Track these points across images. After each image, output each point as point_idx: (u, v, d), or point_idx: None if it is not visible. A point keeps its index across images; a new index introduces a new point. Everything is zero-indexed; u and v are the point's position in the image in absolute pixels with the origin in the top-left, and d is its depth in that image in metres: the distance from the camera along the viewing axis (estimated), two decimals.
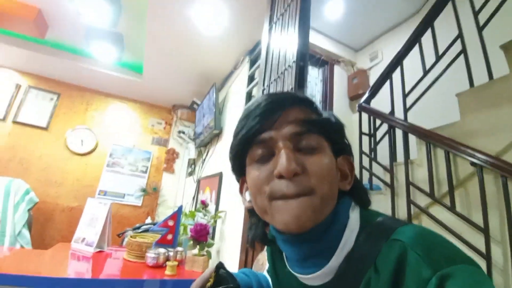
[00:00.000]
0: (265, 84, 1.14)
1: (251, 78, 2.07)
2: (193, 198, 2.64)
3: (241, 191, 0.47)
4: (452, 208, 1.20)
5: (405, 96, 1.62)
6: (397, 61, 1.68)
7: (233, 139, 0.44)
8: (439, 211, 1.28)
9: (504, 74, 1.29)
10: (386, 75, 1.73)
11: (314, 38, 2.50)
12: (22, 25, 2.19)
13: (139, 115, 3.47)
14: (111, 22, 2.18)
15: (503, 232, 1.09)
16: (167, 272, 1.31)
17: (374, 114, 1.71)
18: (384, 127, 1.67)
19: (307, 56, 0.88)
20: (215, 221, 1.78)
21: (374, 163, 1.68)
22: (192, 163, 3.16)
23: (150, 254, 1.42)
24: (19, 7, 2.12)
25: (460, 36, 1.46)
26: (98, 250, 1.58)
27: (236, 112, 2.12)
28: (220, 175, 2.01)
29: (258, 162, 0.40)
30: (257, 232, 0.46)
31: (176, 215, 1.33)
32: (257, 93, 1.26)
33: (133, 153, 3.30)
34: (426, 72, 1.57)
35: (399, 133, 1.52)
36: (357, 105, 1.82)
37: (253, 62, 2.09)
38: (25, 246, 2.23)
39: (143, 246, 1.50)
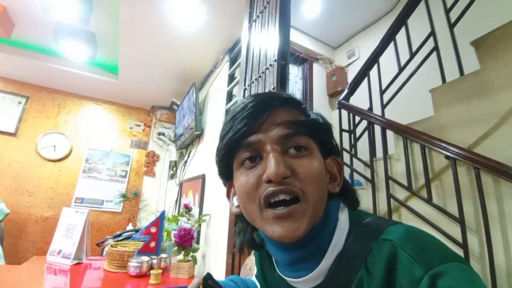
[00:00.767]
0: (246, 84, 1.13)
1: (231, 77, 2.04)
2: (176, 201, 2.58)
3: (228, 196, 0.46)
4: (429, 200, 1.24)
5: (382, 92, 1.66)
6: (374, 58, 1.72)
7: (219, 142, 0.42)
8: (417, 204, 1.33)
9: (475, 70, 1.35)
10: (364, 73, 1.77)
11: (293, 36, 2.50)
12: None
13: (116, 117, 3.34)
14: (81, 19, 2.07)
15: (478, 221, 1.15)
16: (152, 281, 1.27)
17: (353, 111, 1.74)
18: (363, 123, 1.70)
19: (288, 55, 0.87)
20: (199, 225, 1.74)
21: (354, 159, 1.71)
22: (173, 165, 3.08)
23: (133, 263, 1.37)
24: None
25: (432, 33, 1.51)
26: (76, 262, 1.50)
27: (217, 112, 2.08)
28: (203, 177, 1.96)
29: (246, 166, 0.39)
30: (246, 238, 0.46)
31: (159, 221, 1.28)
32: (238, 93, 1.24)
33: (111, 157, 3.16)
34: (401, 69, 1.61)
35: (377, 129, 1.56)
36: (336, 102, 1.85)
37: (233, 61, 2.06)
38: None
39: (124, 255, 1.44)
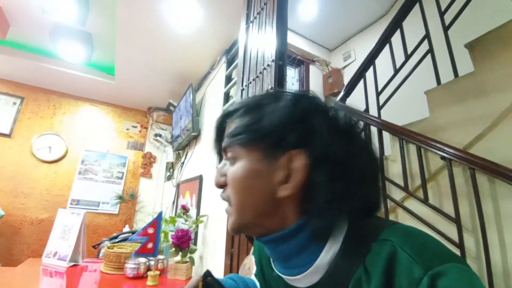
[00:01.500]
0: (244, 84, 1.13)
1: (228, 78, 2.04)
2: (173, 203, 2.57)
3: None
4: (425, 201, 1.24)
5: (378, 94, 1.68)
6: (370, 60, 1.73)
7: None
8: (413, 204, 1.33)
9: (470, 72, 1.36)
10: (360, 74, 1.78)
11: (290, 38, 2.50)
12: None
13: (112, 118, 3.32)
14: (78, 20, 2.06)
15: (474, 222, 1.15)
16: (149, 282, 1.26)
17: (349, 112, 1.73)
18: (360, 124, 1.71)
19: (286, 55, 0.88)
20: (197, 226, 1.74)
21: None
22: (170, 167, 3.07)
23: (130, 265, 1.35)
24: None
25: (427, 36, 1.53)
26: (73, 264, 1.48)
27: (214, 113, 2.08)
28: (200, 178, 1.96)
29: None
30: None
31: (156, 222, 1.28)
32: (235, 93, 1.24)
33: (107, 158, 3.14)
34: (396, 71, 1.62)
35: (374, 130, 1.56)
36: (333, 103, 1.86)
37: (230, 62, 2.06)
38: None
39: (121, 257, 1.43)
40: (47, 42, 2.37)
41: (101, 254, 2.15)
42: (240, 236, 1.08)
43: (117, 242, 2.04)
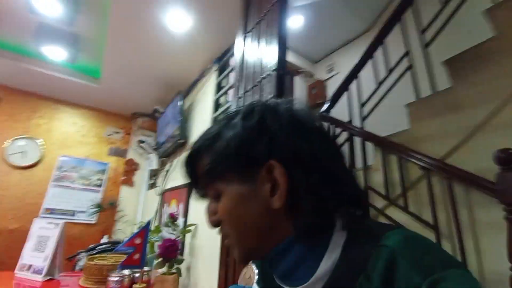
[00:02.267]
0: (240, 92, 1.14)
1: (219, 86, 2.05)
2: (157, 212, 2.49)
3: None
4: (405, 209, 1.29)
5: (361, 106, 1.75)
6: (354, 73, 1.80)
7: None
8: (394, 212, 1.37)
9: (447, 87, 1.46)
10: (344, 87, 1.84)
11: None
12: None
13: (93, 123, 3.19)
14: (66, 20, 1.99)
15: (451, 228, 1.21)
16: None
17: (334, 123, 1.78)
18: (344, 135, 1.75)
19: (285, 65, 0.90)
20: (184, 236, 1.69)
21: None
22: (153, 174, 2.99)
23: (113, 278, 1.28)
24: None
25: (407, 53, 1.63)
26: (48, 278, 1.38)
27: (203, 120, 2.07)
28: (188, 187, 1.92)
29: None
30: None
31: (144, 232, 1.23)
32: (232, 101, 1.25)
33: (86, 165, 3.00)
34: (379, 85, 1.71)
35: (357, 140, 1.61)
36: (317, 114, 1.90)
37: (221, 70, 2.07)
38: None
39: (104, 269, 1.36)
40: (31, 42, 2.26)
41: (78, 267, 2.03)
42: None
43: (96, 253, 1.93)
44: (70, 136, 3.02)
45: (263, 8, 1.18)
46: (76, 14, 1.97)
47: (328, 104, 1.89)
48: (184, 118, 2.25)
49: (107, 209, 2.93)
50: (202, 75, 2.30)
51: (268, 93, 0.90)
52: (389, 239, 0.32)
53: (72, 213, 2.81)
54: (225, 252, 1.09)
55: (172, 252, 1.35)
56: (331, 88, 2.70)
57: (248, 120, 0.38)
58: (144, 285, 1.25)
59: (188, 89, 2.58)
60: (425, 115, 1.54)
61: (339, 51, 2.79)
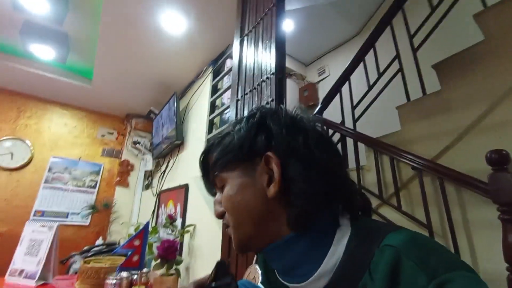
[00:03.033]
0: (239, 95, 1.15)
1: (214, 88, 2.05)
2: (153, 212, 2.47)
3: None
4: (398, 208, 1.32)
5: (353, 108, 1.78)
6: (345, 76, 1.82)
7: None
8: (387, 211, 1.39)
9: (436, 90, 1.50)
10: (336, 89, 1.87)
11: None
12: None
13: (86, 124, 3.13)
14: (54, 19, 1.95)
15: (444, 226, 1.24)
16: None
17: (327, 124, 1.80)
18: (336, 136, 1.78)
19: (285, 68, 0.92)
20: (183, 236, 1.69)
21: None
22: (149, 175, 2.96)
23: (111, 280, 1.27)
24: None
25: (397, 56, 1.66)
26: (42, 283, 1.35)
27: (199, 122, 2.07)
28: (186, 187, 1.92)
29: None
30: None
31: (143, 233, 1.22)
32: (230, 104, 1.26)
33: (79, 166, 2.94)
34: (370, 88, 1.74)
35: (350, 141, 1.63)
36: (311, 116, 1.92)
37: (216, 72, 2.08)
38: None
39: (101, 272, 1.34)
40: (16, 39, 2.20)
41: (71, 270, 1.99)
42: None
43: (90, 255, 1.90)
44: (61, 137, 2.95)
45: (260, 12, 1.19)
46: (65, 12, 1.93)
47: (320, 106, 1.91)
48: (180, 120, 2.25)
49: (102, 210, 2.89)
50: (198, 77, 2.30)
51: (267, 96, 0.92)
52: (393, 239, 0.32)
53: (65, 215, 2.75)
54: (226, 251, 1.09)
55: (171, 253, 1.35)
56: (323, 90, 2.74)
57: (251, 119, 0.44)
58: (143, 287, 1.24)
59: (183, 91, 2.57)
60: (415, 117, 1.57)
61: (330, 54, 2.83)
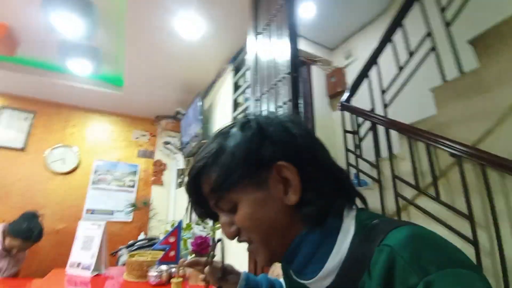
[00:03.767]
0: (257, 95, 1.17)
1: (236, 85, 2.08)
2: (186, 209, 2.62)
3: None
4: (437, 198, 1.23)
5: (383, 93, 1.68)
6: (373, 60, 1.72)
7: None
8: (425, 202, 1.31)
9: (474, 68, 1.37)
10: (364, 74, 1.77)
11: None
12: None
13: (121, 128, 3.38)
14: (86, 35, 2.12)
15: (486, 217, 1.16)
16: None
17: (356, 112, 1.73)
18: (367, 124, 1.71)
19: (299, 67, 0.91)
20: (214, 233, 1.78)
21: (360, 160, 1.72)
22: (181, 173, 3.12)
23: (152, 273, 1.40)
24: None
25: (429, 33, 1.53)
26: (96, 273, 1.53)
27: (224, 120, 2.12)
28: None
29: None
30: None
31: (177, 231, 1.32)
32: (250, 102, 1.27)
33: (119, 167, 3.21)
34: (400, 70, 1.63)
35: (381, 129, 1.55)
36: (338, 104, 1.85)
37: (236, 69, 2.10)
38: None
39: (144, 265, 1.48)
40: (56, 58, 2.43)
41: (120, 262, 2.21)
42: None
43: (135, 249, 2.09)
44: (102, 142, 3.23)
45: (272, 9, 1.17)
46: (94, 28, 2.08)
47: (348, 93, 1.83)
48: (205, 118, 2.32)
49: (141, 208, 3.13)
50: (219, 75, 2.34)
51: (283, 96, 0.92)
52: (391, 239, 0.32)
53: (111, 212, 3.03)
54: None
55: (204, 249, 1.44)
56: (351, 75, 2.60)
57: (247, 130, 0.41)
58: (181, 279, 1.34)
59: (207, 90, 2.64)
60: (452, 99, 1.45)
61: (356, 35, 2.66)
